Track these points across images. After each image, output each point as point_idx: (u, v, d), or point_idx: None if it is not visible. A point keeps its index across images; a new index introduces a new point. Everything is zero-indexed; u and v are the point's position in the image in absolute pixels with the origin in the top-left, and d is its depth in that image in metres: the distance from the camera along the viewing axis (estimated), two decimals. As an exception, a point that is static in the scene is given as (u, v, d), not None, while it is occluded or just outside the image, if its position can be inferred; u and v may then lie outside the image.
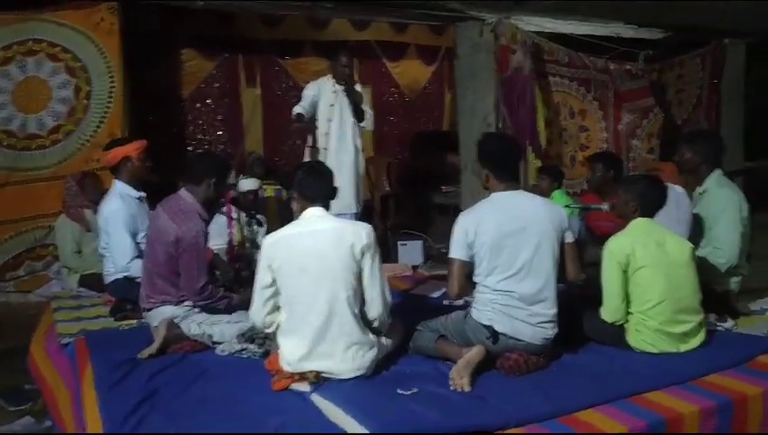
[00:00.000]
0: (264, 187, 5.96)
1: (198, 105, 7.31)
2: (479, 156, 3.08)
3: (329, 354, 2.75)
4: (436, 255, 5.57)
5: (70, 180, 4.83)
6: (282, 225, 2.99)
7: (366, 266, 2.82)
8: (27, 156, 5.13)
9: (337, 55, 5.11)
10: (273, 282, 2.83)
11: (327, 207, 2.94)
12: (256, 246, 4.91)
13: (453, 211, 7.17)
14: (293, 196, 2.96)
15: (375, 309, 2.86)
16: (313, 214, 2.89)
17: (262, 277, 2.86)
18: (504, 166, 3.02)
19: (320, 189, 2.92)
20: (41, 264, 5.26)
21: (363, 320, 2.85)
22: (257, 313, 2.90)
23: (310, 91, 5.09)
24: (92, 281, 4.57)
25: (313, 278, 2.76)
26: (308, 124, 5.06)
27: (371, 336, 2.85)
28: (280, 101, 7.52)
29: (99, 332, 3.56)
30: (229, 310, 3.37)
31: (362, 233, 2.83)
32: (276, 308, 2.89)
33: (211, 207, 3.49)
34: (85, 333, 3.50)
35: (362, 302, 2.86)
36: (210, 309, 3.33)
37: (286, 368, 2.78)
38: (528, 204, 3.01)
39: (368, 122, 5.29)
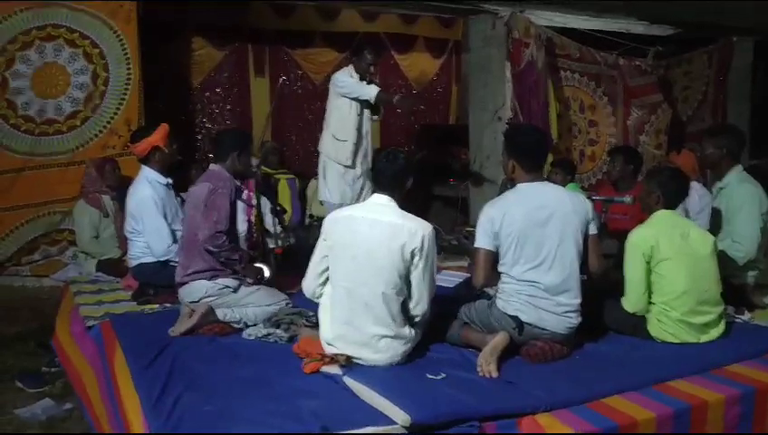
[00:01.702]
0: (278, 176, 6.02)
1: (208, 94, 7.30)
2: (508, 146, 3.11)
3: (362, 343, 2.78)
4: (447, 246, 5.59)
5: (89, 166, 4.86)
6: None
7: (416, 268, 2.79)
8: (45, 141, 5.15)
9: (361, 51, 5.00)
10: (328, 256, 2.88)
11: (396, 196, 2.88)
12: (269, 235, 4.95)
13: (459, 204, 7.25)
14: None
15: (420, 307, 2.87)
16: (377, 201, 2.88)
17: (319, 249, 2.91)
18: (532, 157, 3.05)
19: (386, 178, 2.87)
20: (56, 249, 5.29)
21: (404, 313, 2.84)
22: (310, 283, 2.95)
23: (352, 79, 4.98)
24: (110, 266, 4.63)
25: (359, 268, 2.77)
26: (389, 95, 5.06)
27: (407, 330, 2.84)
28: (288, 91, 7.52)
29: (123, 315, 3.60)
30: (242, 265, 3.48)
31: (419, 234, 2.77)
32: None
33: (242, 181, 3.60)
34: (110, 317, 3.54)
35: (407, 296, 2.84)
36: (226, 264, 3.41)
37: (323, 344, 2.83)
38: (554, 194, 3.05)
39: (380, 115, 5.32)
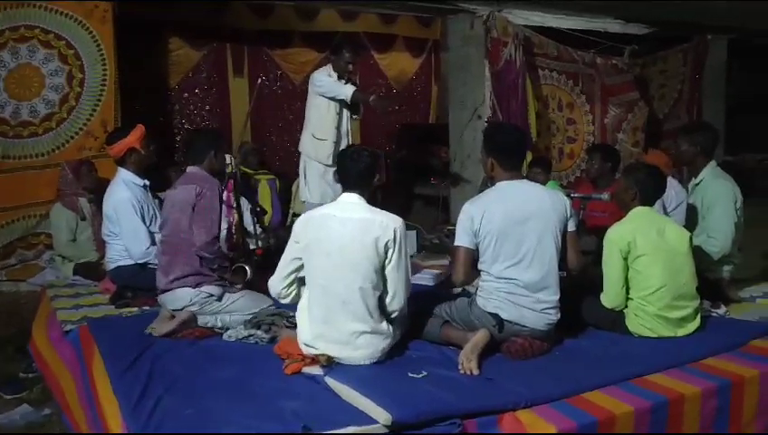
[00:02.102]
0: (258, 176, 5.99)
1: (186, 95, 7.24)
2: (487, 144, 3.12)
3: (342, 341, 2.78)
4: (428, 245, 5.60)
5: (65, 168, 4.80)
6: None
7: (390, 261, 2.82)
8: (19, 144, 5.07)
9: (340, 50, 4.97)
10: (299, 258, 2.89)
11: (365, 193, 2.92)
12: (249, 235, 4.92)
13: (440, 203, 7.28)
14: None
15: (396, 302, 2.89)
16: (347, 200, 2.91)
17: (289, 251, 2.92)
18: (511, 155, 3.08)
19: (352, 177, 2.91)
20: (32, 253, 5.20)
21: (380, 309, 2.86)
22: (277, 282, 2.96)
23: (329, 78, 4.95)
24: (87, 269, 4.57)
25: (334, 265, 2.79)
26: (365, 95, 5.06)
27: (385, 325, 2.86)
28: (268, 91, 7.49)
29: (101, 319, 3.55)
30: (231, 272, 3.48)
31: (391, 227, 2.81)
32: (296, 281, 2.95)
33: (221, 180, 3.59)
34: (88, 321, 3.49)
35: (383, 291, 2.86)
36: (216, 269, 3.39)
37: (302, 346, 2.83)
38: (533, 192, 3.07)
39: (360, 114, 5.31)
